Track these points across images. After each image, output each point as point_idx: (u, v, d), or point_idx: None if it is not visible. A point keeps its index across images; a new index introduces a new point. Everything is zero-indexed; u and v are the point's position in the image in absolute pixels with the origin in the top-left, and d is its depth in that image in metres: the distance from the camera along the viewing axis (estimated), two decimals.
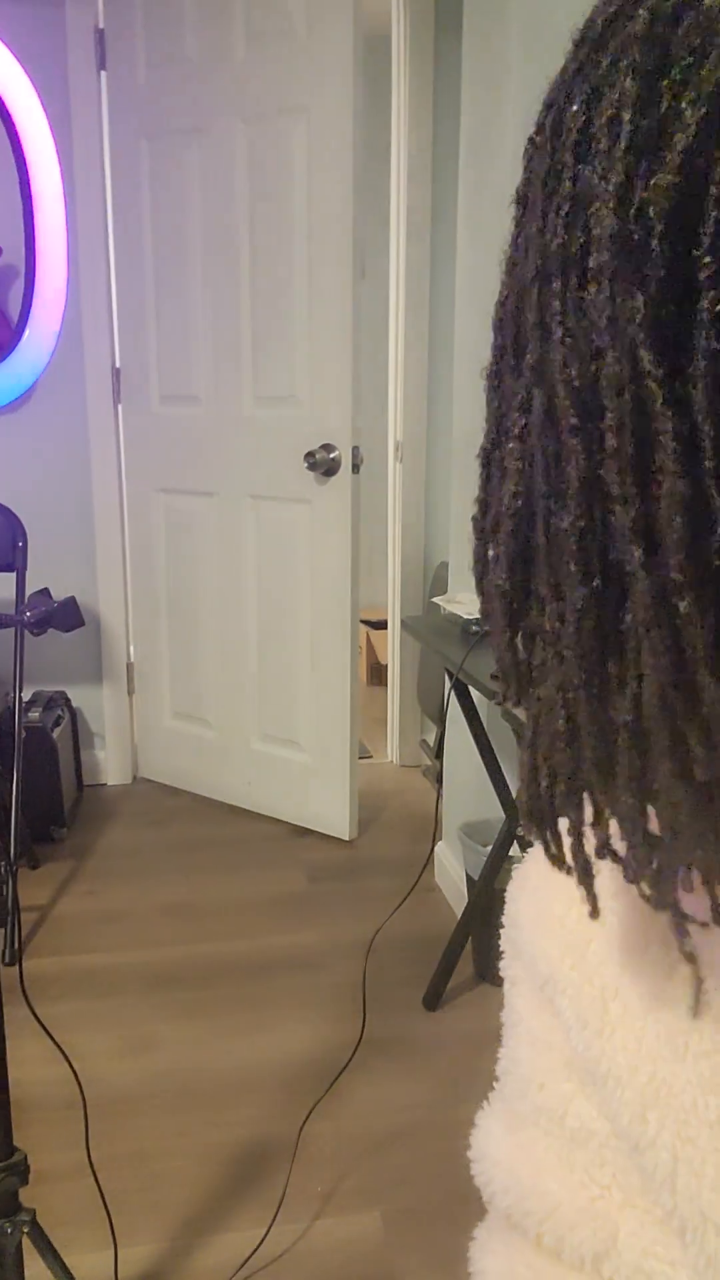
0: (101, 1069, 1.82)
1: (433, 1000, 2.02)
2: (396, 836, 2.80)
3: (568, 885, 0.46)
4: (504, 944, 0.51)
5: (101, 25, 2.67)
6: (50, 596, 1.12)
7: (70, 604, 1.08)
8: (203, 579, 2.88)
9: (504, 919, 0.52)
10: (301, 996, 2.06)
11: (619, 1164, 0.42)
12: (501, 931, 0.52)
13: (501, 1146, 0.48)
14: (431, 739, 3.29)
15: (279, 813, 2.86)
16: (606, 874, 0.42)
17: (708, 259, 0.25)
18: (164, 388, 2.82)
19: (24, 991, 1.44)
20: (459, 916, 2.28)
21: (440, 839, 2.52)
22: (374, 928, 2.29)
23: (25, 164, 1.05)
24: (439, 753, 3.14)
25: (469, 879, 2.13)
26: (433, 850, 2.42)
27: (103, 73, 2.69)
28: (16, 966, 2.03)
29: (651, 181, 0.25)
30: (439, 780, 3.08)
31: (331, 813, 2.75)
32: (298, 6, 2.35)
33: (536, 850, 0.43)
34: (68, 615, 1.08)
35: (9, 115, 1.06)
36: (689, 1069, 0.39)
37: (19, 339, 1.08)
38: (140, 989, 2.08)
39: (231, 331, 2.65)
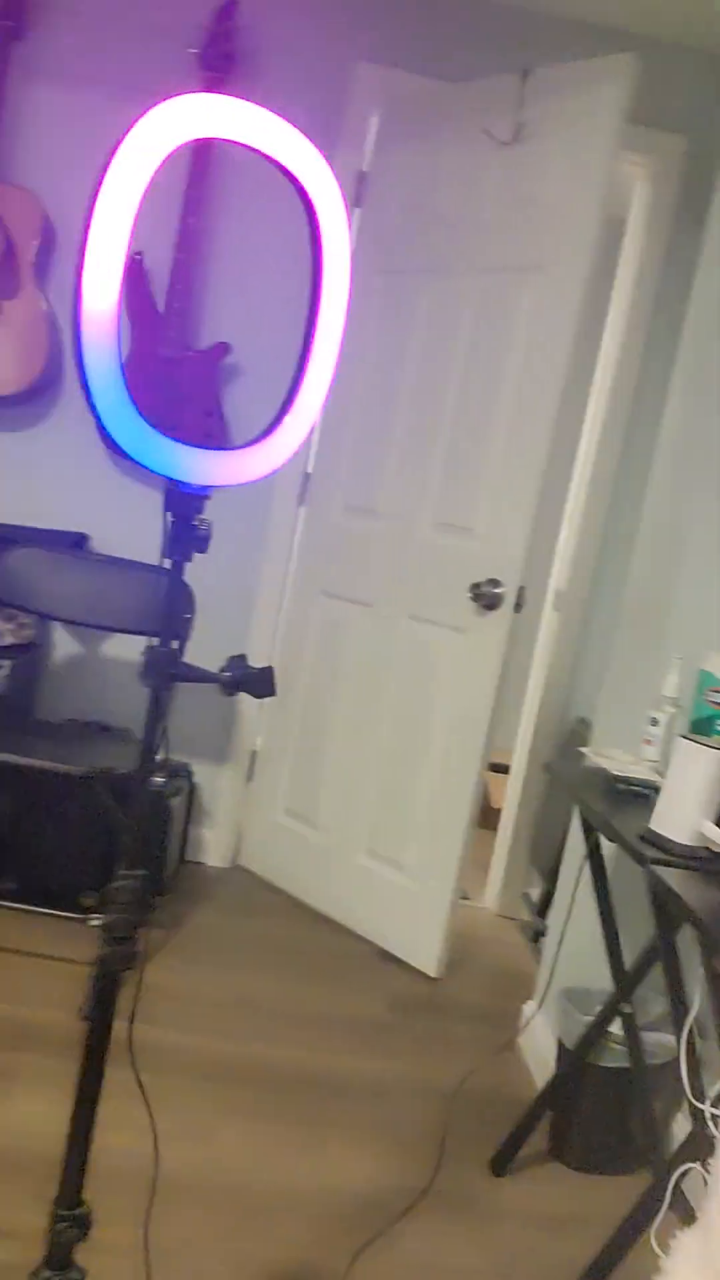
0: (151, 1147, 1.77)
1: (499, 1165, 1.91)
2: (481, 985, 2.70)
3: None
4: None
5: (365, 169, 2.92)
6: (247, 662, 1.16)
7: (268, 672, 1.12)
8: (343, 685, 2.92)
9: None
10: (366, 1127, 1.97)
11: None
12: None
13: None
14: (535, 893, 3.20)
15: (368, 932, 2.80)
16: None
17: None
18: (348, 498, 2.94)
19: (132, 1060, 1.43)
20: (536, 1081, 2.17)
21: (534, 998, 2.42)
22: (449, 1073, 2.20)
23: (320, 265, 1.14)
24: (542, 909, 3.04)
25: (560, 1046, 2.03)
26: (521, 1007, 2.33)
27: (356, 210, 2.92)
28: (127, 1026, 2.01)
29: None
30: (536, 937, 2.97)
31: (421, 944, 2.68)
32: (556, 177, 2.51)
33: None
34: (264, 682, 1.11)
35: (312, 209, 1.15)
36: None
37: (271, 432, 1.16)
38: (200, 1076, 2.03)
39: (423, 457, 2.75)
